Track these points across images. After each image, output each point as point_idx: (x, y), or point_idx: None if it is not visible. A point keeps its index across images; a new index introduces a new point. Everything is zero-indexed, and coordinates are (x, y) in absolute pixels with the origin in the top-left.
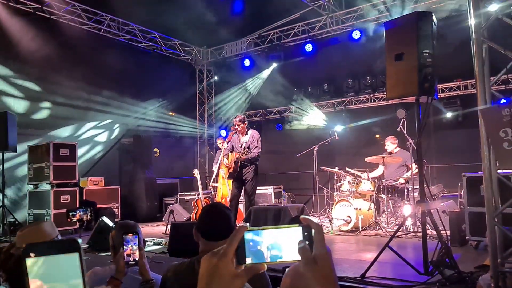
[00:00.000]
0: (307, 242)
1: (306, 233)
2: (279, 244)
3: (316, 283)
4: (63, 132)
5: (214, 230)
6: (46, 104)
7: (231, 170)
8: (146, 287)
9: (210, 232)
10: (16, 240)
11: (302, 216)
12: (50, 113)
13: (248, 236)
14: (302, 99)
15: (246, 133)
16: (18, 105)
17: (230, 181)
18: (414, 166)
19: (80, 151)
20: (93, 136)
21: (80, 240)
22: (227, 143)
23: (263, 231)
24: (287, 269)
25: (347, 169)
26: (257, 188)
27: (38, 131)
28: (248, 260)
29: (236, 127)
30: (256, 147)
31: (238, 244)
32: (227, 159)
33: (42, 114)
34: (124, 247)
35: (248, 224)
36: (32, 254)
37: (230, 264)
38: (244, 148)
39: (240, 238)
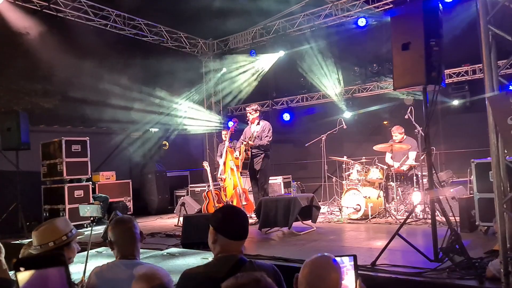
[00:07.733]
0: None
1: None
2: None
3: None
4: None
5: (238, 229)
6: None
7: (243, 160)
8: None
9: (234, 232)
10: (33, 239)
11: None
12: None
13: None
14: (309, 88)
15: (258, 124)
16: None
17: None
18: (412, 154)
19: None
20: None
21: (87, 233)
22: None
23: None
24: (306, 260)
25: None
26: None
27: (49, 128)
28: None
29: (249, 115)
30: (267, 136)
31: None
32: (238, 152)
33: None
34: None
35: None
36: (22, 269)
37: None
38: (255, 137)
39: None
